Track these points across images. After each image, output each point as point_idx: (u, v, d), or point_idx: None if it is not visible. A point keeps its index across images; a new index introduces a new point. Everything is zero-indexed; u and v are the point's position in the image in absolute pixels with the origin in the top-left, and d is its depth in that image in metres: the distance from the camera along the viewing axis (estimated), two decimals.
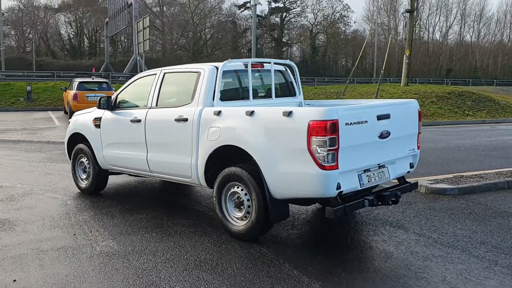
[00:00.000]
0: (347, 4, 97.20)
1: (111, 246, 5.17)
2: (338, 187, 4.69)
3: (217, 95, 5.67)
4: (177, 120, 5.84)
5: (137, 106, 6.64)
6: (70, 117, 9.32)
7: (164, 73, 6.39)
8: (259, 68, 6.32)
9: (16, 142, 13.53)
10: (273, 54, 74.33)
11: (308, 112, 4.66)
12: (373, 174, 5.18)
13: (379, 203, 5.20)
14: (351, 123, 4.72)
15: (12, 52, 66.42)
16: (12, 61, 54.84)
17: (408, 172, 5.76)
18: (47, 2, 71.93)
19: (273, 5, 74.35)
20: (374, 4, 75.76)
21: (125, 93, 6.94)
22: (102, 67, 51.93)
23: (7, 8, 70.93)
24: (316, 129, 4.53)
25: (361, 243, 5.29)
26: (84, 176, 7.62)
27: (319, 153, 4.55)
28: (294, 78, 6.80)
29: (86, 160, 7.48)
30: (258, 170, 5.04)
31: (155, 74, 6.52)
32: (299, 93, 6.81)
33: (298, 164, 4.70)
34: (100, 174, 7.37)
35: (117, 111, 6.85)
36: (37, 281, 4.27)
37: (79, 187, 7.70)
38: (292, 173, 4.79)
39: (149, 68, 44.80)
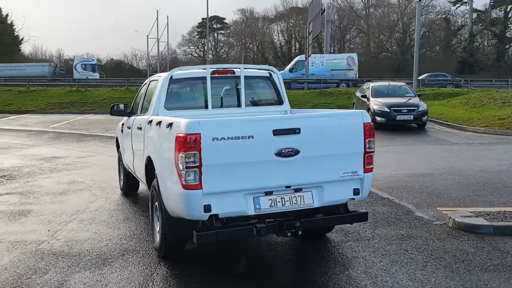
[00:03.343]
0: None
1: (54, 246, 5.56)
2: (208, 209, 4.14)
3: (162, 103, 5.56)
4: (138, 128, 5.93)
5: (134, 113, 6.91)
6: None
7: (150, 81, 6.52)
8: (228, 75, 5.91)
9: None
10: (493, 51, 66.13)
11: (179, 124, 4.23)
12: (281, 198, 4.39)
13: (279, 233, 4.39)
14: (222, 138, 4.11)
15: (235, 61, 74.17)
16: None
17: (353, 199, 4.67)
18: (265, 13, 77.94)
19: None
20: None
21: (135, 99, 7.27)
22: None
23: (232, 21, 79.72)
24: (179, 143, 4.12)
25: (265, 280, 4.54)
26: (122, 177, 8.26)
27: (181, 170, 4.11)
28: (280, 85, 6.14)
29: None
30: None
31: (146, 82, 6.70)
32: (284, 101, 6.10)
33: (172, 180, 4.33)
34: (129, 176, 7.87)
35: (130, 117, 7.22)
36: None
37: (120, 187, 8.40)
38: (170, 189, 4.44)
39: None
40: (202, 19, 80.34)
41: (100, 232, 6.04)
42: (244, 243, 5.52)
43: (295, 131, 4.31)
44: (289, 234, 4.35)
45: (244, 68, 5.89)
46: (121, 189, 8.28)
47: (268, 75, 6.14)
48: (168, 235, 4.74)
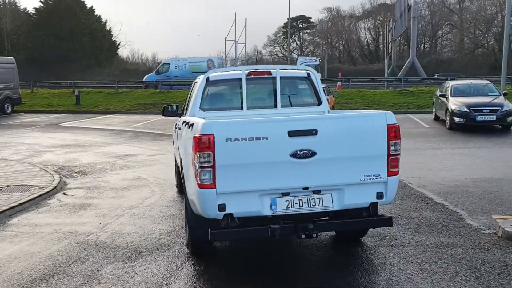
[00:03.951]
0: None
1: (99, 238, 5.97)
2: (222, 208, 4.23)
3: (198, 104, 5.74)
4: (179, 128, 6.18)
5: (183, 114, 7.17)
6: None
7: (195, 82, 6.74)
8: (265, 76, 5.94)
9: None
10: None
11: (197, 125, 4.36)
12: (299, 200, 4.36)
13: (294, 234, 4.35)
14: (236, 139, 4.17)
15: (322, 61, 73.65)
16: None
17: (376, 203, 4.50)
18: (351, 11, 76.53)
19: None
20: None
21: (186, 100, 7.55)
22: (389, 71, 52.27)
23: (318, 20, 79.19)
24: (195, 143, 4.25)
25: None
26: (176, 175, 8.61)
27: (197, 169, 4.24)
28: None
29: None
30: None
31: (193, 84, 6.93)
32: (322, 102, 6.01)
33: (192, 179, 4.48)
34: (179, 174, 8.19)
35: (180, 118, 7.52)
36: None
37: None
38: (190, 188, 4.59)
39: (425, 72, 42.86)
40: (288, 19, 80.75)
41: (144, 227, 6.36)
42: (273, 243, 5.52)
43: (311, 132, 4.25)
44: (303, 236, 4.30)
45: (281, 69, 5.90)
46: (176, 187, 8.63)
47: (306, 75, 6.09)
48: (191, 232, 4.90)
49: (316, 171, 4.30)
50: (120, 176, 9.88)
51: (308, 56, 52.99)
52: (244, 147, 4.20)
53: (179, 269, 4.85)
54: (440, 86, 20.24)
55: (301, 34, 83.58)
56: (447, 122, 16.16)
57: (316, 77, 6.05)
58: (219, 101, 6.03)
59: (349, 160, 4.36)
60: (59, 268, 4.96)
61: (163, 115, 7.79)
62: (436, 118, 18.59)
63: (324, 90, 21.07)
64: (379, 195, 4.47)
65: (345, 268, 4.75)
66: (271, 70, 5.93)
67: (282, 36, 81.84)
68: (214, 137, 4.14)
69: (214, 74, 5.90)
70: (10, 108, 24.27)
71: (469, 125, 15.34)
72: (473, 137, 14.27)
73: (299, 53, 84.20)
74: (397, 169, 4.49)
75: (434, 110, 19.02)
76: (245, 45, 48.00)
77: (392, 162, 4.45)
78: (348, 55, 73.89)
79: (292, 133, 4.23)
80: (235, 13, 44.81)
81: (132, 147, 13.98)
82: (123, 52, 70.42)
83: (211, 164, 4.17)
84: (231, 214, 4.29)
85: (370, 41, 73.13)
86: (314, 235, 4.28)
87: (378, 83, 30.26)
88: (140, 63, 71.43)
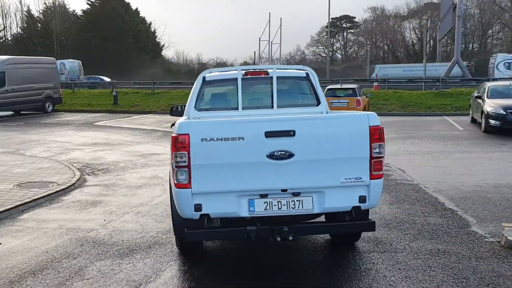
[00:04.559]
0: None
1: (99, 234, 6.10)
2: (198, 208, 4.22)
3: (192, 104, 5.76)
4: None
5: None
6: None
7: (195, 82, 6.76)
8: (262, 76, 5.88)
9: None
10: None
11: (176, 125, 4.38)
12: (278, 202, 4.29)
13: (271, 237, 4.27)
14: (211, 139, 4.15)
15: (363, 61, 72.58)
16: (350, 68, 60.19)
17: (358, 207, 4.35)
18: (396, 10, 74.88)
19: None
20: None
21: None
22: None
23: (362, 20, 78.03)
24: (172, 143, 4.28)
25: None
26: None
27: (173, 169, 4.26)
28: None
29: None
30: None
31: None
32: (321, 102, 5.87)
33: (172, 179, 4.49)
34: None
35: None
36: None
37: None
38: (171, 188, 4.60)
39: (470, 73, 41.15)
40: (332, 19, 79.81)
41: (145, 225, 6.44)
42: (263, 246, 5.45)
43: (289, 133, 4.18)
44: (278, 239, 4.21)
45: (278, 69, 5.82)
46: None
47: (305, 75, 5.97)
48: (176, 231, 4.91)
49: (294, 173, 4.22)
50: (139, 175, 10.05)
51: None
52: (220, 147, 4.17)
53: (163, 268, 4.87)
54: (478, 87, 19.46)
55: (345, 34, 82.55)
56: (483, 124, 15.52)
57: (314, 77, 5.92)
58: (215, 101, 6.02)
59: (329, 162, 4.25)
60: (50, 263, 5.09)
61: (171, 115, 7.85)
62: (473, 121, 17.89)
63: (356, 91, 20.71)
64: (362, 199, 4.33)
65: (330, 272, 4.63)
66: (268, 70, 5.86)
67: (325, 36, 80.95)
68: (189, 137, 4.14)
69: (210, 74, 5.89)
70: (51, 107, 25.24)
71: (505, 128, 14.66)
72: (509, 140, 13.62)
73: (342, 52, 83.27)
74: (381, 172, 4.33)
75: (470, 113, 18.31)
76: (280, 45, 47.99)
77: (375, 165, 4.29)
78: (392, 55, 72.33)
79: (268, 134, 4.17)
80: (269, 13, 44.89)
81: (158, 146, 14.21)
82: (167, 54, 71.88)
83: (186, 164, 4.17)
84: (208, 215, 4.27)
85: (415, 41, 71.26)
86: (290, 237, 4.19)
87: (417, 84, 29.39)
88: (184, 64, 72.80)
